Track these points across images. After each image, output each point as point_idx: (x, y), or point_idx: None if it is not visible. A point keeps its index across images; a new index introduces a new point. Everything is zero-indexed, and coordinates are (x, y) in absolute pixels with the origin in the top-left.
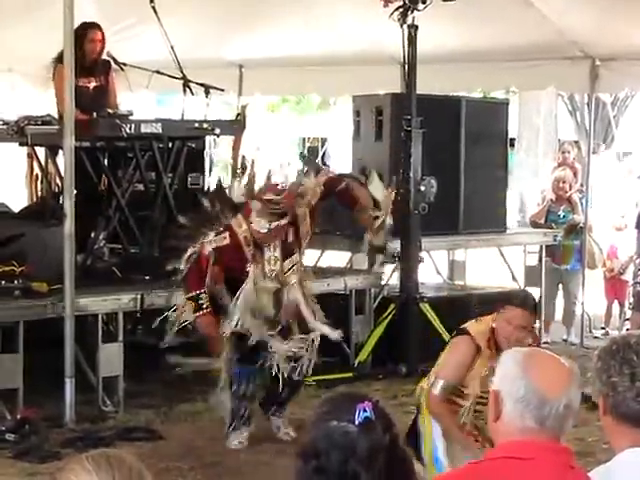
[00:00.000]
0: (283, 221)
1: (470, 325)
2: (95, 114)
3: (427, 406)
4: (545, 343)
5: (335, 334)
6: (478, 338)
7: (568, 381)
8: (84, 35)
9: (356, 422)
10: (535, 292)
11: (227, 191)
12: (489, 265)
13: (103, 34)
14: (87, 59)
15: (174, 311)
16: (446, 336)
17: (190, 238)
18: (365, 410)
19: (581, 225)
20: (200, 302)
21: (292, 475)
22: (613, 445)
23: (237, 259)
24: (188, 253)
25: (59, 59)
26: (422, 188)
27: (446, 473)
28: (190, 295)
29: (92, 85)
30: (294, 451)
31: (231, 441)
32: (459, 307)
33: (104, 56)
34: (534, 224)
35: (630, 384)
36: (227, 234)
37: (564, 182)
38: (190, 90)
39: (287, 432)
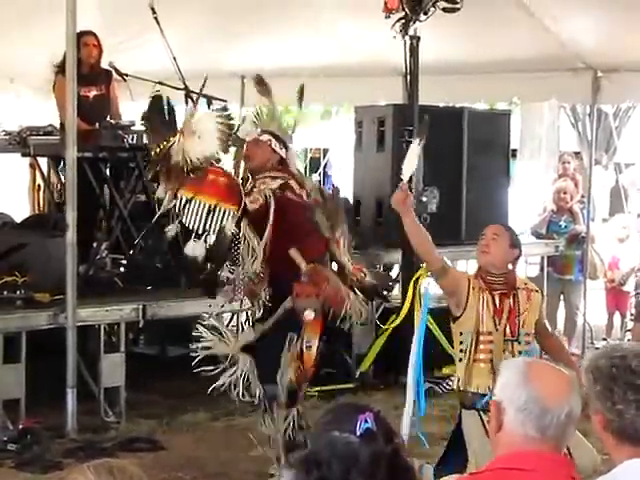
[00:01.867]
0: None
1: None
2: (97, 124)
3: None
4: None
5: None
6: (471, 278)
7: (569, 390)
8: (77, 41)
9: (357, 433)
10: None
11: None
12: None
13: (98, 40)
14: (84, 66)
15: None
16: (448, 346)
17: None
18: (366, 421)
19: (582, 235)
20: None
21: None
22: (614, 458)
23: None
24: None
25: (59, 70)
26: (424, 199)
27: None
28: None
29: (92, 94)
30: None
31: None
32: None
33: (106, 66)
34: (535, 234)
35: (636, 411)
36: None
37: (565, 193)
38: (192, 101)
39: None
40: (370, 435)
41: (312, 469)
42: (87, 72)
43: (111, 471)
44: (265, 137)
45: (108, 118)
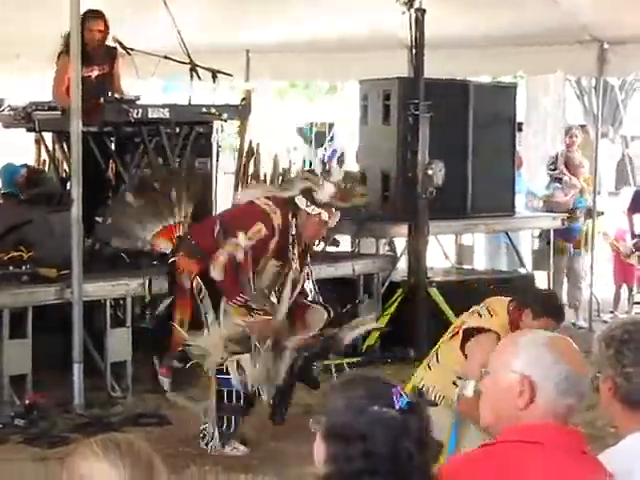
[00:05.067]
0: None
1: (488, 322)
2: (102, 99)
3: (461, 409)
4: None
5: None
6: (502, 334)
7: (584, 359)
8: (83, 24)
9: (397, 406)
10: (542, 276)
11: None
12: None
13: (106, 23)
14: (88, 47)
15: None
16: (454, 320)
17: (135, 217)
18: (401, 395)
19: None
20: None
21: (309, 462)
22: (621, 428)
23: (264, 249)
24: (221, 262)
25: (64, 49)
26: (430, 172)
27: (459, 456)
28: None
29: (94, 74)
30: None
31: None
32: (467, 291)
33: (110, 42)
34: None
35: None
36: (261, 225)
37: (579, 165)
38: (197, 75)
39: None
40: (416, 407)
41: (354, 442)
42: (90, 52)
43: (119, 445)
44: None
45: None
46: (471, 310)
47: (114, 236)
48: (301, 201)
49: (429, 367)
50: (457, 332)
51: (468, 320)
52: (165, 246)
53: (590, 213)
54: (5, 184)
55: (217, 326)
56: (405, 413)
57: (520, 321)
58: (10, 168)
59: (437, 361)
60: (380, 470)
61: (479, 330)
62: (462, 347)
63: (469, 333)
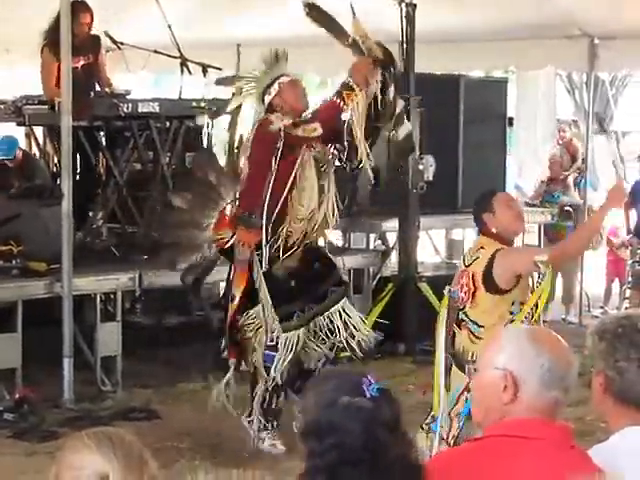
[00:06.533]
0: None
1: (489, 251)
2: (92, 93)
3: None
4: (544, 322)
5: None
6: (499, 248)
7: (571, 350)
8: (72, 16)
9: (367, 395)
10: None
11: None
12: None
13: (92, 15)
14: (74, 39)
15: None
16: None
17: (191, 224)
18: (371, 382)
19: (567, 208)
20: None
21: (299, 456)
22: (612, 424)
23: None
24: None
25: (46, 42)
26: (421, 167)
27: (448, 450)
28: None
29: (80, 64)
30: (299, 432)
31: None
32: None
33: (97, 32)
34: (527, 204)
35: (637, 369)
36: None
37: (554, 161)
38: (188, 69)
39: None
40: (386, 392)
41: (326, 435)
42: (76, 43)
43: (110, 438)
44: None
45: (97, 86)
46: (462, 269)
47: (175, 257)
48: (266, 98)
49: (476, 337)
50: (474, 292)
51: (474, 270)
52: (227, 234)
53: (561, 210)
54: (2, 152)
55: None
56: (375, 400)
57: (492, 228)
58: (11, 139)
59: (479, 327)
60: (354, 460)
61: (491, 260)
62: (493, 289)
63: (486, 271)
